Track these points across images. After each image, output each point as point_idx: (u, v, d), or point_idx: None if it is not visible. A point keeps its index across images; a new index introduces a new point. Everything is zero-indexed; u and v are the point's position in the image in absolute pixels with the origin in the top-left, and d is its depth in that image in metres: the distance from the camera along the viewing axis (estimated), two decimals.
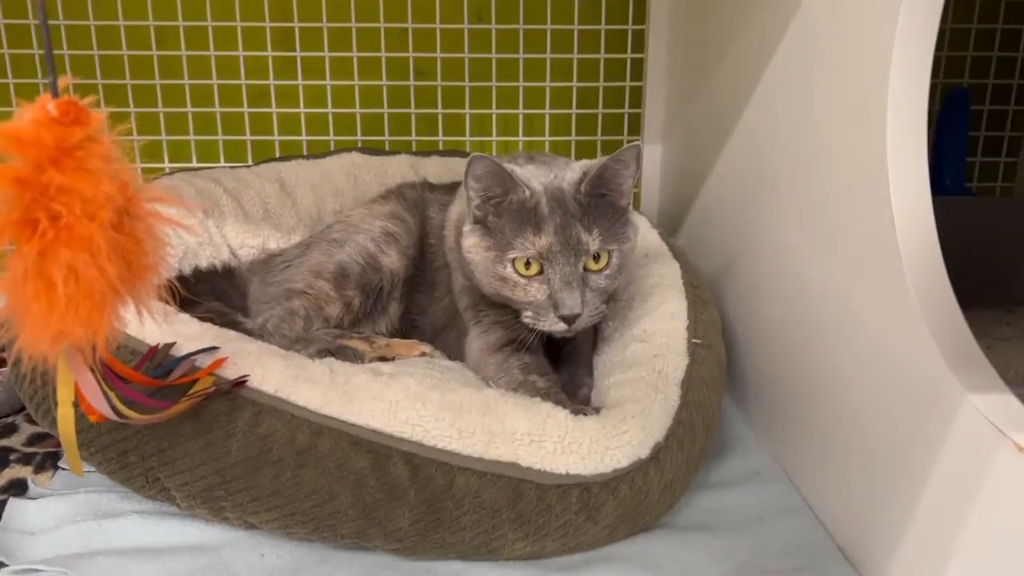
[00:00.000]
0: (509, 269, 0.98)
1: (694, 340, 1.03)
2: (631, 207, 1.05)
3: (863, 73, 0.83)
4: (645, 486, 0.86)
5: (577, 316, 0.97)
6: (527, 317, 1.00)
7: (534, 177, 1.01)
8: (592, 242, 0.98)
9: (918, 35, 0.78)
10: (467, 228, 1.03)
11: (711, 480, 1.02)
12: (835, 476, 0.92)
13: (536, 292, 0.98)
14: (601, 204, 1.00)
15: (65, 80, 0.62)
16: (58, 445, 1.06)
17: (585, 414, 0.89)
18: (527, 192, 0.98)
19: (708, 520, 0.94)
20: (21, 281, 0.58)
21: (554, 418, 0.85)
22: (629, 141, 1.71)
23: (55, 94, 0.60)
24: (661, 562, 0.86)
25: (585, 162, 1.04)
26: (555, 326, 0.98)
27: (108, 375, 0.70)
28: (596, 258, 0.99)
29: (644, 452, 0.86)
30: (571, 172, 1.01)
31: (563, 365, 1.10)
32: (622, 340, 1.05)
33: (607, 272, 1.00)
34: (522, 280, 0.98)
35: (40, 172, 0.57)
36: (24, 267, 0.57)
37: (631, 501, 0.86)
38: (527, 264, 0.98)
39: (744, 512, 0.96)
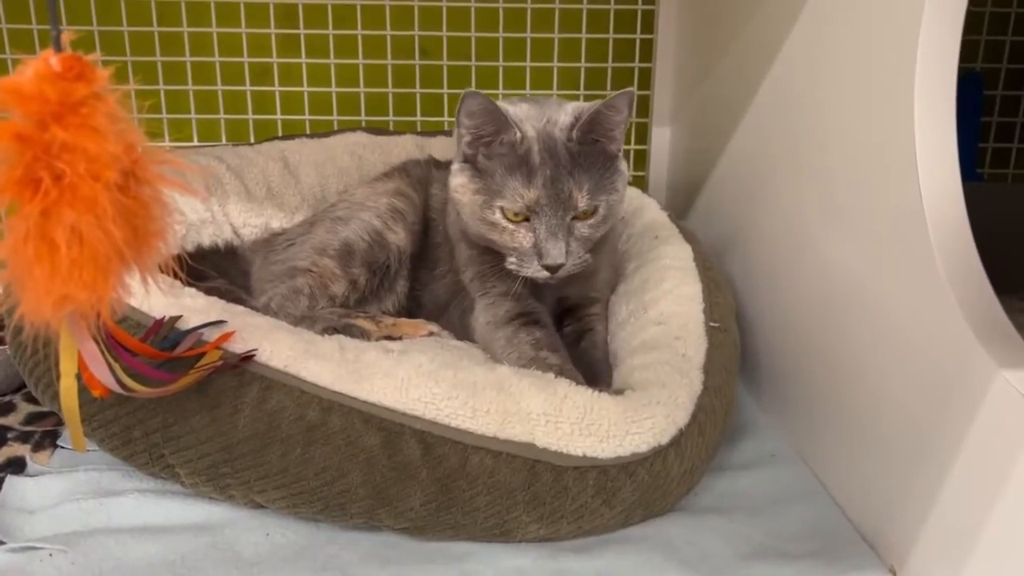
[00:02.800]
0: (498, 215, 0.99)
1: (712, 323, 1.01)
2: (621, 153, 1.03)
3: (889, 50, 0.81)
4: (664, 471, 0.84)
5: (560, 266, 0.97)
6: (511, 263, 1.01)
7: (527, 119, 1.00)
8: (581, 199, 0.97)
9: (947, 8, 0.76)
10: (456, 167, 1.03)
11: (726, 463, 0.99)
12: (853, 458, 0.90)
13: (522, 239, 0.99)
14: (592, 152, 0.99)
15: (68, 36, 0.59)
16: (57, 424, 1.04)
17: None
18: (518, 135, 0.97)
19: (723, 503, 0.92)
20: (22, 243, 0.55)
21: (572, 399, 0.83)
22: (637, 123, 1.68)
23: (58, 48, 0.58)
24: (676, 544, 0.84)
25: (577, 105, 1.02)
26: (538, 273, 0.99)
27: (112, 345, 0.68)
28: (584, 211, 0.99)
29: (665, 439, 0.84)
30: (564, 115, 1.00)
31: (577, 343, 1.07)
32: (639, 322, 1.03)
33: (591, 222, 1.00)
34: (509, 226, 0.99)
35: (43, 129, 0.55)
36: (26, 228, 0.55)
37: (649, 486, 0.84)
38: (515, 212, 0.98)
39: (760, 495, 0.94)
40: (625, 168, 1.04)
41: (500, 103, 0.98)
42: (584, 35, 1.63)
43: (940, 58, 0.78)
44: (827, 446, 0.96)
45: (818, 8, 0.99)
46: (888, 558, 0.82)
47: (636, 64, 1.65)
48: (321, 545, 0.82)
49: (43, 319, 0.57)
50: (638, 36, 1.64)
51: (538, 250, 0.97)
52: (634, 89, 0.97)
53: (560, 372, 0.93)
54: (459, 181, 1.02)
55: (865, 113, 0.87)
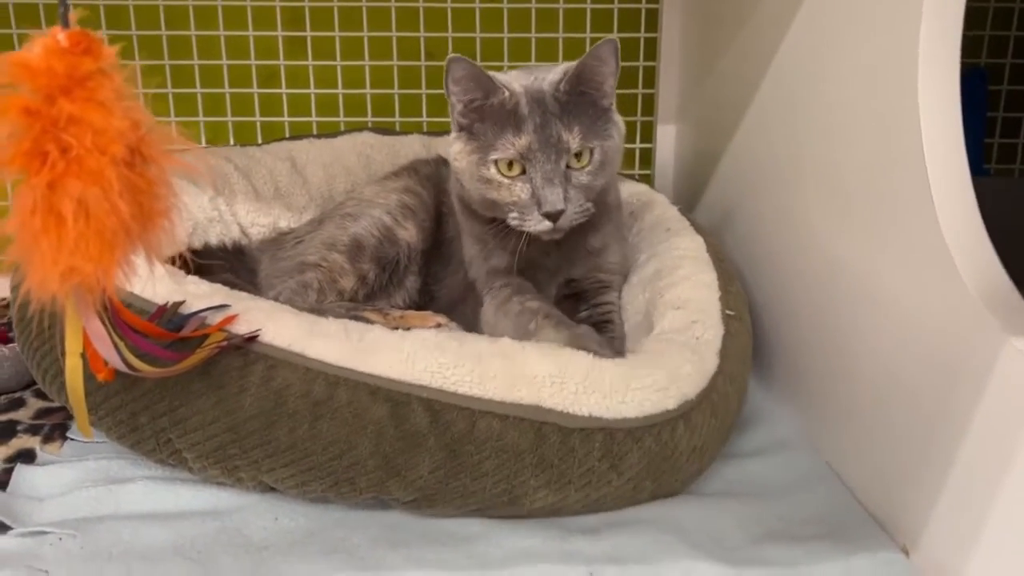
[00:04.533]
0: (492, 170, 1.00)
1: (727, 312, 1.01)
2: (614, 106, 1.04)
3: (890, 43, 0.81)
4: (672, 442, 0.84)
5: (560, 212, 0.98)
6: (513, 219, 1.01)
7: (515, 80, 1.02)
8: (573, 140, 0.98)
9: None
10: (452, 136, 1.05)
11: (735, 450, 0.99)
12: (863, 440, 0.89)
13: (520, 191, 0.99)
14: (582, 103, 1.00)
15: (76, 14, 0.60)
16: (67, 417, 1.04)
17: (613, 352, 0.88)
18: (506, 93, 0.99)
19: (734, 488, 0.92)
20: (29, 215, 0.56)
21: (575, 361, 0.84)
22: (642, 122, 1.69)
23: (66, 24, 0.58)
24: (686, 526, 0.83)
25: (567, 64, 1.03)
26: (540, 225, 0.99)
27: (118, 323, 0.68)
28: (578, 156, 1.00)
29: (670, 403, 0.84)
30: (552, 73, 1.02)
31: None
32: (657, 310, 1.03)
33: (589, 168, 1.00)
34: (506, 180, 1.00)
35: (50, 103, 0.55)
36: (33, 200, 0.55)
37: (657, 455, 0.84)
38: (509, 165, 0.99)
39: (770, 480, 0.93)
40: (620, 120, 1.05)
41: (489, 72, 1.01)
42: (588, 34, 1.64)
43: (941, 46, 0.78)
44: (836, 430, 0.96)
45: (819, 4, 1.00)
46: (900, 538, 0.81)
47: (640, 63, 1.66)
48: (330, 528, 0.82)
49: (49, 292, 0.57)
50: (642, 35, 1.64)
51: (536, 199, 0.98)
52: (616, 39, 0.98)
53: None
54: (456, 148, 1.04)
55: (870, 107, 0.86)
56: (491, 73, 1.00)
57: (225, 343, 0.79)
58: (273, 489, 0.85)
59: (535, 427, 0.81)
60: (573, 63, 1.00)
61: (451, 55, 0.98)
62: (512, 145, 0.98)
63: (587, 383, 0.82)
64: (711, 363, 0.91)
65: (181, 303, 0.84)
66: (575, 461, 0.81)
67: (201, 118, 1.61)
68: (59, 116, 0.55)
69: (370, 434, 0.80)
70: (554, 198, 0.97)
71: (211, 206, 1.28)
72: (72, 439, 0.98)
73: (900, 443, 0.82)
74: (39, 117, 0.55)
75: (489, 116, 1.00)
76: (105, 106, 0.57)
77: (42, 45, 0.56)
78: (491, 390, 0.81)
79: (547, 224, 0.98)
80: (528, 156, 0.98)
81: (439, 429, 0.80)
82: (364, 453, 0.80)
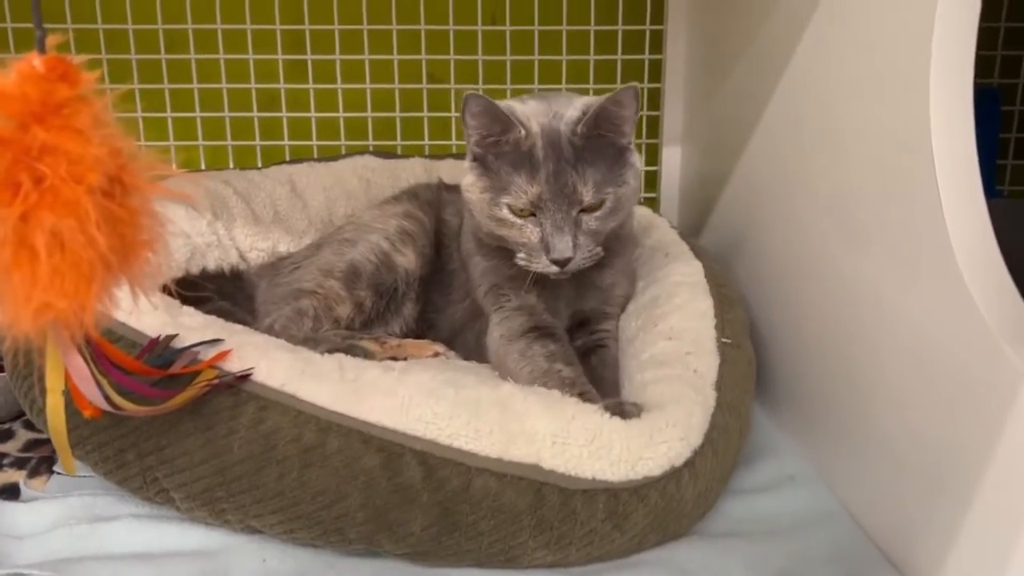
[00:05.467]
0: (504, 211, 0.98)
1: (723, 340, 0.98)
2: (632, 146, 1.02)
3: (902, 59, 0.78)
4: (678, 493, 0.80)
5: (568, 260, 0.96)
6: (521, 258, 1.00)
7: (534, 115, 0.99)
8: (586, 192, 0.96)
9: (959, 22, 0.74)
10: (467, 165, 1.03)
11: (743, 486, 0.95)
12: (876, 478, 0.86)
13: (529, 234, 0.98)
14: (599, 145, 0.98)
15: (55, 38, 0.58)
16: (55, 450, 1.02)
17: (624, 410, 0.83)
18: (523, 132, 0.97)
19: (741, 527, 0.88)
20: (0, 249, 0.53)
21: (580, 419, 0.79)
22: (648, 144, 1.66)
23: (42, 50, 0.56)
24: (693, 569, 0.80)
25: (586, 100, 1.01)
26: (547, 268, 0.98)
27: (101, 360, 0.65)
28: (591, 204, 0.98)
29: (679, 462, 0.80)
30: (571, 110, 0.99)
31: (587, 359, 1.05)
32: (648, 337, 1.00)
33: (599, 214, 0.98)
34: (517, 221, 0.98)
35: (23, 131, 0.53)
36: (3, 233, 0.53)
37: (662, 509, 0.80)
38: (520, 208, 0.97)
39: (779, 518, 0.90)
40: (637, 161, 1.02)
41: (508, 101, 0.99)
42: (592, 56, 1.62)
43: (954, 66, 0.75)
44: (848, 466, 0.92)
45: (827, 23, 0.97)
46: None
47: (645, 85, 1.64)
48: (320, 571, 0.79)
49: (23, 330, 0.55)
50: (647, 56, 1.63)
51: (545, 244, 0.96)
52: (637, 84, 0.96)
53: (573, 385, 0.90)
54: (469, 179, 1.02)
55: (881, 127, 0.84)
56: (509, 104, 0.98)
57: (216, 381, 0.77)
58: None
59: (534, 487, 0.76)
60: (594, 100, 0.98)
61: (468, 92, 0.96)
62: (524, 193, 0.96)
63: (592, 448, 0.77)
64: (711, 399, 0.88)
65: (174, 336, 0.81)
66: (577, 523, 0.77)
67: (201, 142, 1.60)
68: (32, 144, 0.53)
69: (360, 485, 0.76)
70: (563, 246, 0.95)
71: (209, 230, 1.26)
72: (58, 473, 0.95)
73: (915, 479, 0.79)
74: (11, 146, 0.53)
75: (504, 153, 0.98)
76: (82, 134, 0.54)
77: (16, 71, 0.54)
78: (487, 446, 0.77)
79: (554, 268, 0.97)
80: (539, 204, 0.96)
81: (433, 485, 0.76)
82: (354, 505, 0.76)
